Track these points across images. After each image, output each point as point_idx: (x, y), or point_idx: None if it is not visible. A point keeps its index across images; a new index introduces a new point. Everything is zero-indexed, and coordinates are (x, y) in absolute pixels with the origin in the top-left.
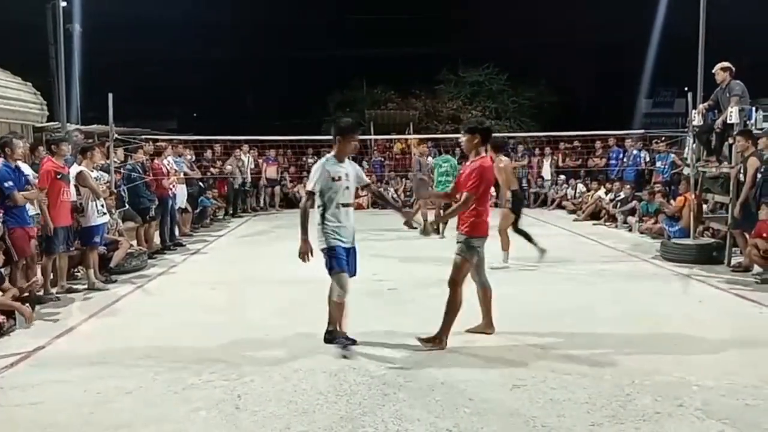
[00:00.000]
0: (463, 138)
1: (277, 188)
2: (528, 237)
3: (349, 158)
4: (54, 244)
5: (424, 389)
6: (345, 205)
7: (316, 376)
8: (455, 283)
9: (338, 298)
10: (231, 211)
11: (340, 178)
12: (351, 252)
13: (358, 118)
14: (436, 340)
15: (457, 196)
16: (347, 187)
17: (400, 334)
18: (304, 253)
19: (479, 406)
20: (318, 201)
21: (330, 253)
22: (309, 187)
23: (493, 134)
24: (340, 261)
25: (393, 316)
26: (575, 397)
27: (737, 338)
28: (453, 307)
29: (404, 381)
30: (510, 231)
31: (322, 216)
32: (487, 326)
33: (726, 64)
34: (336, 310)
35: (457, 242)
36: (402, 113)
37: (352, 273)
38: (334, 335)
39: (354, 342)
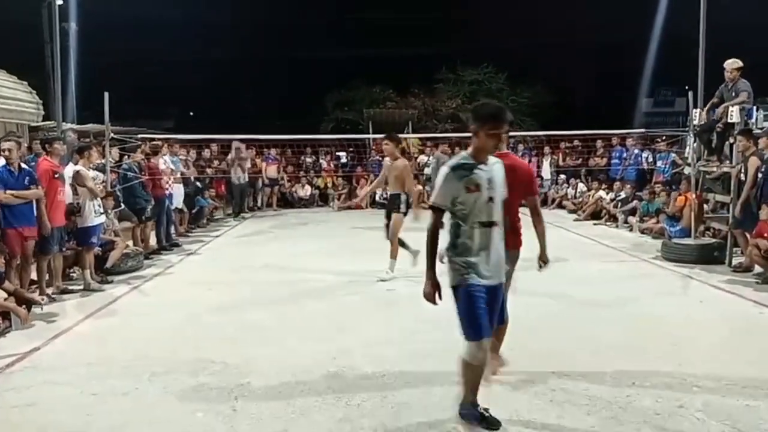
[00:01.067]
0: None
1: (276, 188)
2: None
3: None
4: (49, 245)
5: (423, 390)
6: (485, 225)
7: (314, 377)
8: None
9: (471, 358)
10: (235, 211)
11: (478, 187)
12: (495, 292)
13: (357, 117)
14: None
15: None
16: (490, 198)
17: (398, 335)
18: (430, 295)
19: None
20: (447, 217)
21: (460, 293)
22: (432, 199)
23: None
24: (479, 315)
25: (391, 315)
26: (575, 399)
27: (738, 339)
28: None
29: (403, 382)
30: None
31: (452, 240)
32: (493, 362)
33: (740, 63)
34: (466, 372)
35: None
36: (401, 112)
37: (499, 321)
38: (464, 408)
39: (481, 417)
